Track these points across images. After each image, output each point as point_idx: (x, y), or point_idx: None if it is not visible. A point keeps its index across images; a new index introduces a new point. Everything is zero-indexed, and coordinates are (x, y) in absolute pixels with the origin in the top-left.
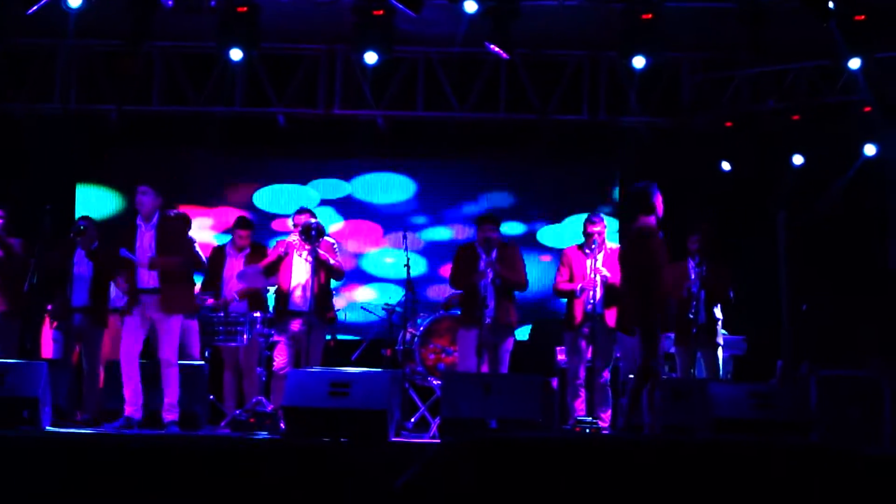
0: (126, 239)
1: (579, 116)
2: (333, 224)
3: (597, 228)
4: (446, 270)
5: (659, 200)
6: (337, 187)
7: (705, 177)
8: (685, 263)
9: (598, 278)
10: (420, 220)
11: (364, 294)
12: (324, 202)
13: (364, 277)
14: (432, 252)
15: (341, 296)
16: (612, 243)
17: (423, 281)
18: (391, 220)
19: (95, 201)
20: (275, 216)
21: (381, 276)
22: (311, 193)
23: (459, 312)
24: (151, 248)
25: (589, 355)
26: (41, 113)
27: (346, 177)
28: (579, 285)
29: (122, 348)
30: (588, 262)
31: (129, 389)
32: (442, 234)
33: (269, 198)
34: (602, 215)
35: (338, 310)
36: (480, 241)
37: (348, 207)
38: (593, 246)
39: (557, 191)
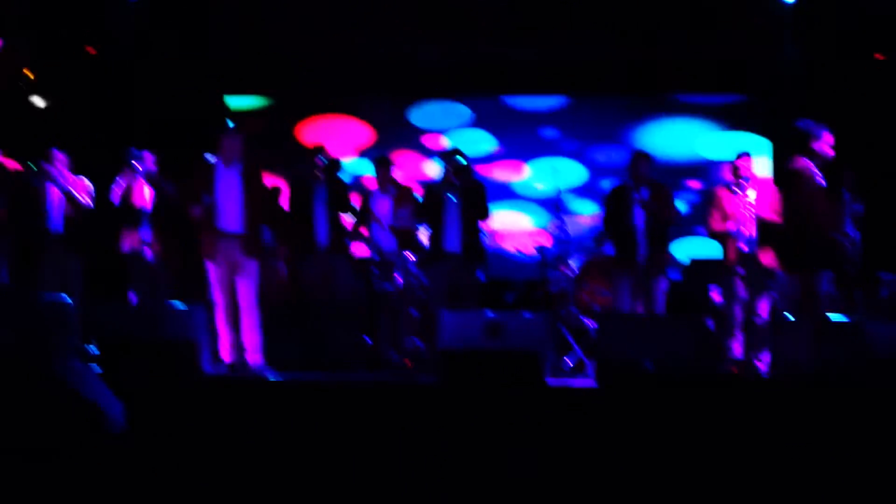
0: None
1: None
2: (488, 146)
3: (744, 164)
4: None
5: (822, 142)
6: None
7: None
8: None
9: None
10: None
11: (514, 218)
12: (475, 123)
13: (513, 197)
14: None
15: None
16: (765, 178)
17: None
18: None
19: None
20: (427, 132)
21: (530, 198)
22: (462, 109)
23: (613, 252)
24: (237, 191)
25: (745, 295)
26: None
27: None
28: (732, 225)
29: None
30: (738, 200)
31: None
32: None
33: (422, 114)
34: (748, 152)
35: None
36: (633, 179)
37: (501, 121)
38: (742, 183)
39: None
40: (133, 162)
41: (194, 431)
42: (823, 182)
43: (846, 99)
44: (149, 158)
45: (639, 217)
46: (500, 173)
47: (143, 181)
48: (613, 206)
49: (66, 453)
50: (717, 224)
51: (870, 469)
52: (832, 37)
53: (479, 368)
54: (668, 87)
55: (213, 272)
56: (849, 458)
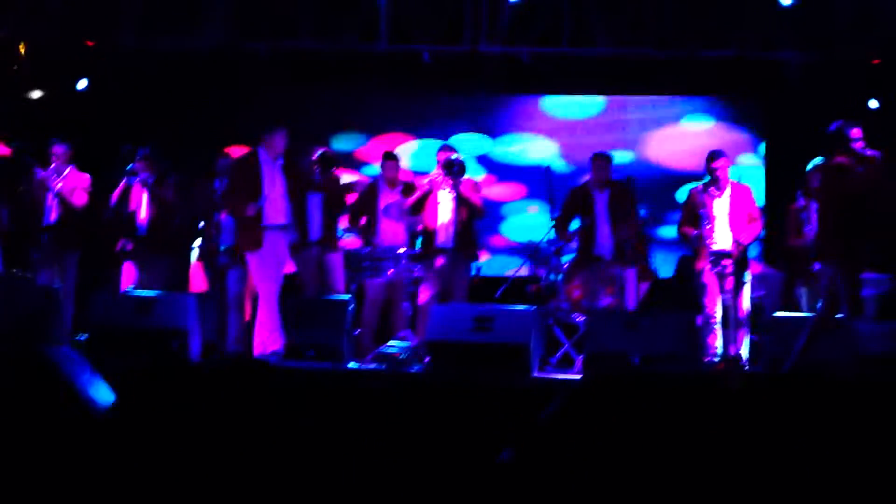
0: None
1: (726, 51)
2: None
3: (719, 165)
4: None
5: (851, 139)
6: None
7: (851, 115)
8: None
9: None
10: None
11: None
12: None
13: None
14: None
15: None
16: (740, 182)
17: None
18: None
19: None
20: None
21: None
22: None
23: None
24: (283, 185)
25: (724, 293)
26: (191, 49)
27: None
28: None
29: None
30: (714, 200)
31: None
32: None
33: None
34: (723, 152)
35: (479, 264)
36: (594, 176)
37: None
38: (717, 184)
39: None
40: (130, 167)
41: (183, 415)
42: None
43: (843, 101)
44: (143, 163)
45: (600, 216)
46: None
47: (140, 185)
48: (570, 203)
49: (53, 435)
50: (685, 227)
51: (860, 464)
52: (831, 39)
53: (467, 360)
54: (665, 89)
55: (257, 264)
56: (839, 451)
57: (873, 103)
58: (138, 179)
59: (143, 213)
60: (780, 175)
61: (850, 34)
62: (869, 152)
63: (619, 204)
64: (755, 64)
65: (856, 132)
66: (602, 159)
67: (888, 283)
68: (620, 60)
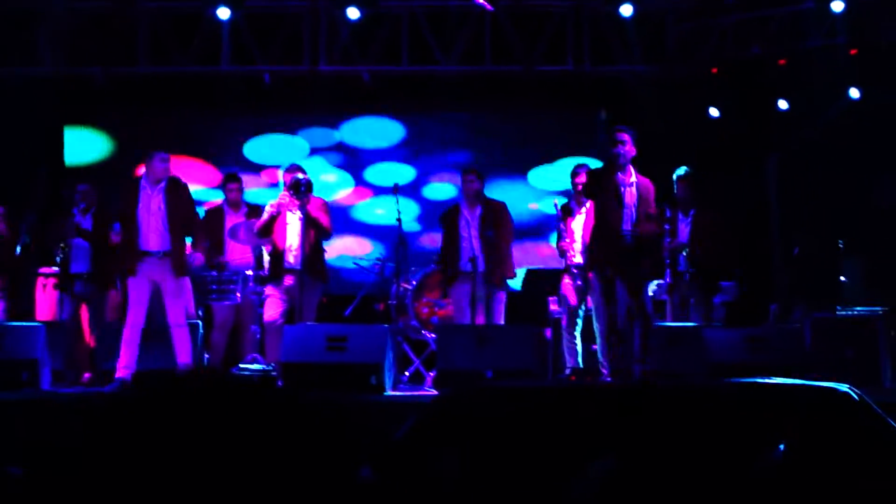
0: (129, 203)
1: (564, 67)
2: (325, 175)
3: (580, 179)
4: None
5: (621, 144)
6: (326, 136)
7: (693, 124)
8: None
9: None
10: (409, 172)
11: (355, 244)
12: (314, 151)
13: (355, 228)
14: (425, 208)
15: (331, 244)
16: None
17: (415, 235)
18: (381, 174)
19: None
20: (266, 167)
21: (372, 225)
22: (300, 143)
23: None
24: (161, 210)
25: (585, 304)
26: (26, 76)
27: (335, 125)
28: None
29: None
30: (577, 215)
31: (129, 352)
32: (435, 191)
33: (260, 149)
34: (586, 166)
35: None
36: (463, 191)
37: (338, 155)
38: (577, 198)
39: (545, 140)
40: None
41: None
42: (625, 190)
43: (680, 110)
44: None
45: (471, 233)
46: (341, 200)
47: None
48: (446, 224)
49: None
50: (560, 243)
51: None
52: (671, 50)
53: (320, 380)
54: (509, 101)
55: (134, 290)
56: (691, 456)
57: (714, 111)
58: None
59: None
60: None
61: (686, 46)
62: (623, 156)
63: (488, 223)
64: (597, 77)
65: (622, 136)
66: (468, 174)
67: (735, 290)
68: (463, 77)
